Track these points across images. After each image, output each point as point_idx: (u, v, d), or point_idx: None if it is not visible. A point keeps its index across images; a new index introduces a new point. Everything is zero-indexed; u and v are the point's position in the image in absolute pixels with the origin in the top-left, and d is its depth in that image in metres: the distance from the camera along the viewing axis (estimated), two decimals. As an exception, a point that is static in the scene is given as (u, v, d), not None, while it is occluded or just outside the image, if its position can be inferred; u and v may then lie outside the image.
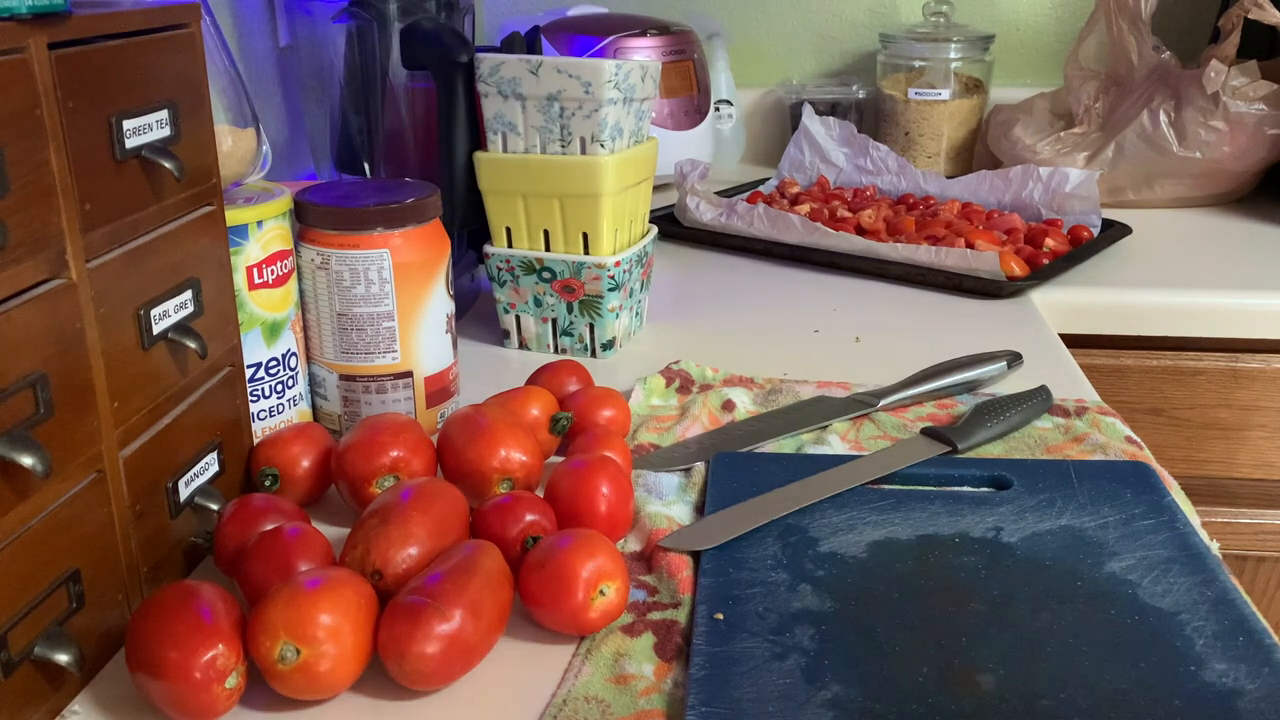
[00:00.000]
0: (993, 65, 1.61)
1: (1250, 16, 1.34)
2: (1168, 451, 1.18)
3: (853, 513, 0.67)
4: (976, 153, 1.61)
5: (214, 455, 0.66)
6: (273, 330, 0.74)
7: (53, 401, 0.51)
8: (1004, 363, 0.88)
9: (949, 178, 1.37)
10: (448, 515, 0.61)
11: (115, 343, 0.56)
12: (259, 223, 0.72)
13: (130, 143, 0.56)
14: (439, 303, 0.80)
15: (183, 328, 0.61)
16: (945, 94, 1.57)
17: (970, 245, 1.16)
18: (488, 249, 0.95)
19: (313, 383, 0.81)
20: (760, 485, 0.70)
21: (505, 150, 0.92)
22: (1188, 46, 1.60)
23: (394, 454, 0.67)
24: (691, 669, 0.54)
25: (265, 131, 0.77)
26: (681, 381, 0.88)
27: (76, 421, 0.53)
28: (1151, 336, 1.14)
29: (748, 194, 1.42)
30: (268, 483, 0.69)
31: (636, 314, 1.00)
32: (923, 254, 1.12)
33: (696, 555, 0.64)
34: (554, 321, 0.96)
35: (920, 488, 0.71)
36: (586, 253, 0.92)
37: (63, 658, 0.50)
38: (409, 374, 0.79)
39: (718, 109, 1.68)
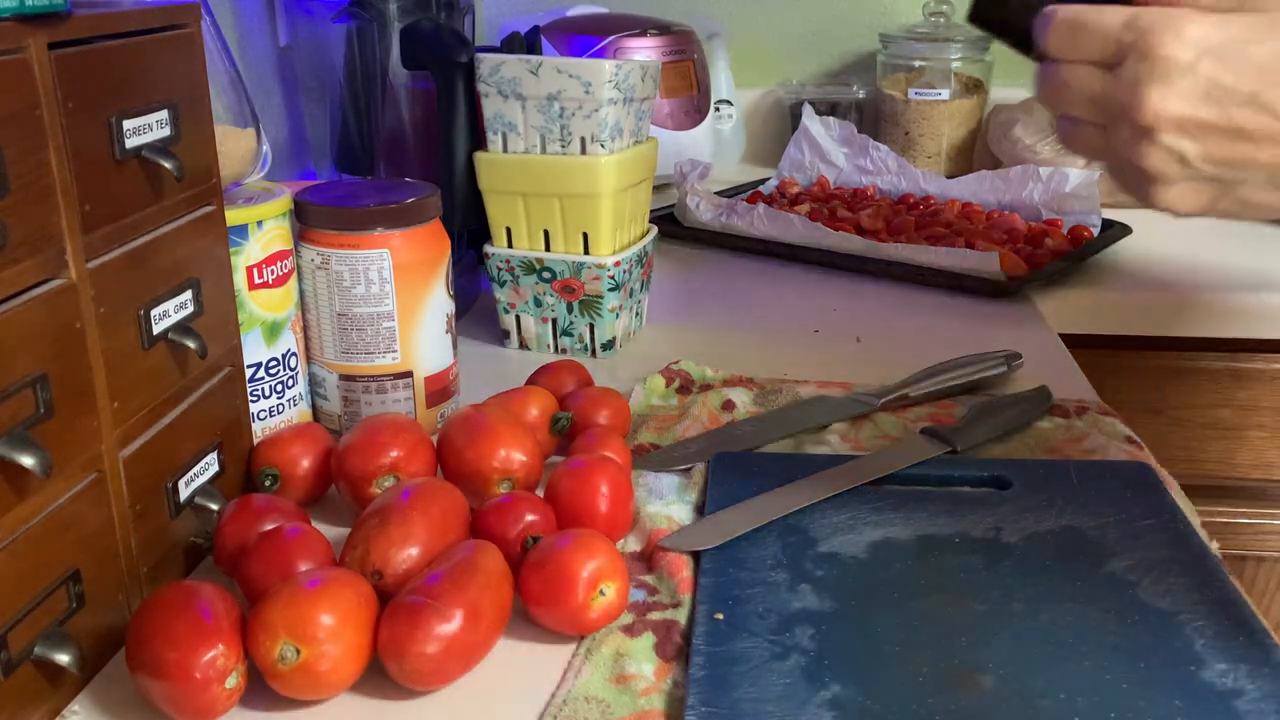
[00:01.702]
0: (993, 65, 1.61)
1: (1250, 16, 1.33)
2: (1168, 451, 1.18)
3: (853, 513, 0.67)
4: (976, 153, 1.61)
5: (214, 455, 0.66)
6: (273, 330, 0.74)
7: (53, 401, 0.51)
8: (1004, 363, 0.88)
9: (949, 178, 1.37)
10: (448, 515, 0.61)
11: (115, 343, 0.56)
12: (259, 223, 0.72)
13: (130, 143, 0.56)
14: (439, 303, 0.80)
15: (183, 328, 0.61)
16: (945, 94, 1.57)
17: (970, 245, 1.16)
18: (488, 249, 0.95)
19: (313, 383, 0.81)
20: (760, 485, 0.70)
21: (505, 150, 0.92)
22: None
23: (394, 454, 0.67)
24: (691, 669, 0.54)
25: (265, 131, 0.77)
26: (681, 381, 0.88)
27: (76, 421, 0.53)
28: (1151, 336, 1.14)
29: (748, 194, 1.42)
30: (268, 483, 0.69)
31: (636, 314, 1.00)
32: (923, 254, 1.12)
33: (696, 555, 0.64)
34: (554, 321, 0.96)
35: (920, 488, 0.71)
36: (586, 253, 0.92)
37: (63, 658, 0.50)
38: (409, 374, 0.79)
39: (718, 109, 1.68)
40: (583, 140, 0.90)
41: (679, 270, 1.21)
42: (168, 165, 0.58)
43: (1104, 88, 0.51)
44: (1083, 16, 0.52)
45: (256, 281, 0.72)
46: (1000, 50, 1.67)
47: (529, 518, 0.62)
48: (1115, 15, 0.51)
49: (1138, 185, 0.53)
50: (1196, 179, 0.51)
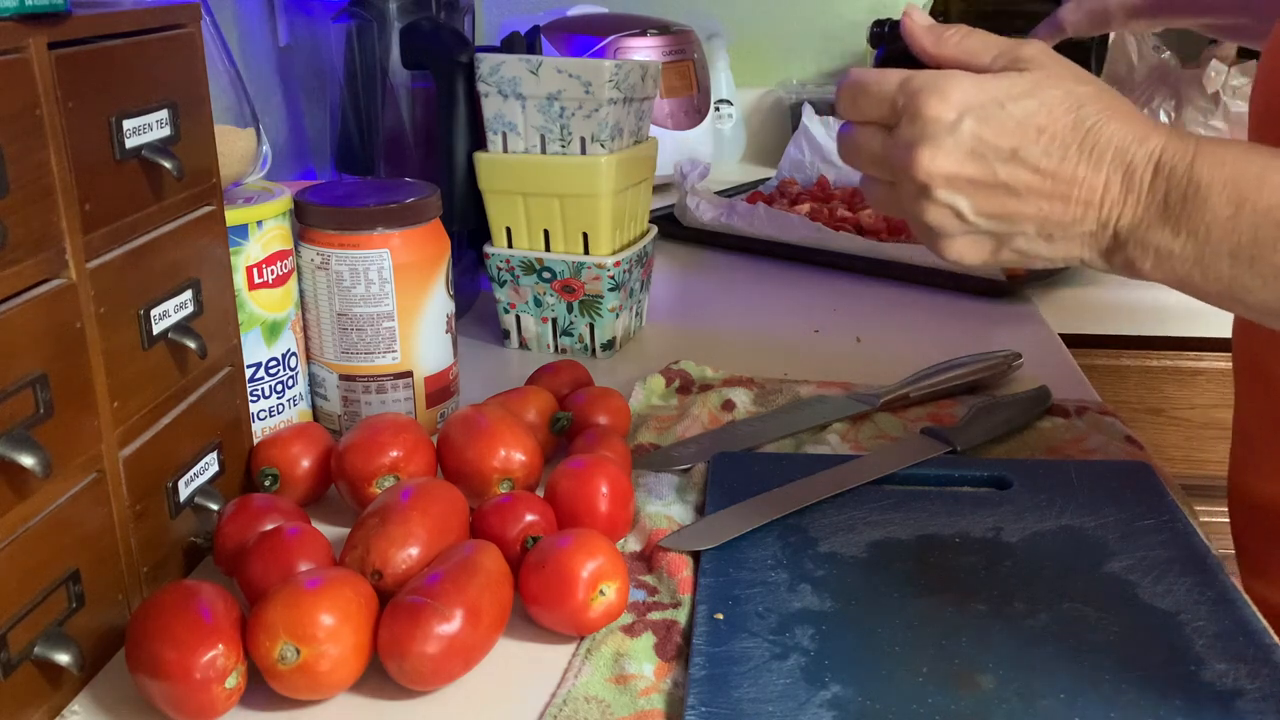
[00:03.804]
0: (993, 65, 1.61)
1: (1250, 16, 1.34)
2: (1168, 451, 1.18)
3: (853, 513, 0.67)
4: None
5: (214, 455, 0.66)
6: (273, 330, 0.74)
7: (53, 401, 0.51)
8: (1004, 363, 0.88)
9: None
10: (448, 515, 0.61)
11: (115, 343, 0.56)
12: (259, 223, 0.72)
13: (130, 143, 0.56)
14: (439, 303, 0.80)
15: (183, 328, 0.61)
16: (945, 94, 1.56)
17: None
18: (488, 249, 0.95)
19: (313, 383, 0.81)
20: (760, 485, 0.70)
21: (505, 150, 0.92)
22: (1188, 47, 1.59)
23: (394, 454, 0.67)
24: (691, 669, 0.54)
25: (265, 131, 0.77)
26: (681, 381, 0.88)
27: (76, 421, 0.53)
28: (1151, 336, 1.14)
29: (748, 194, 1.42)
30: (268, 483, 0.69)
31: (636, 314, 1.00)
32: (923, 254, 1.12)
33: (696, 555, 0.64)
34: (554, 321, 0.96)
35: (920, 488, 0.71)
36: (586, 253, 0.92)
37: (63, 658, 0.50)
38: (409, 374, 0.79)
39: (718, 109, 1.68)
40: (583, 140, 0.90)
41: (679, 270, 1.21)
42: (168, 165, 0.58)
43: (884, 148, 0.54)
44: (865, 79, 0.55)
45: (256, 281, 0.72)
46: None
47: (529, 518, 0.62)
48: (892, 78, 0.54)
49: (927, 238, 0.55)
50: (974, 232, 0.54)
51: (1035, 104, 0.51)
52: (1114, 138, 0.51)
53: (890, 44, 0.57)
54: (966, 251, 0.55)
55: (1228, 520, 1.20)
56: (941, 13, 0.91)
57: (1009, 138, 0.51)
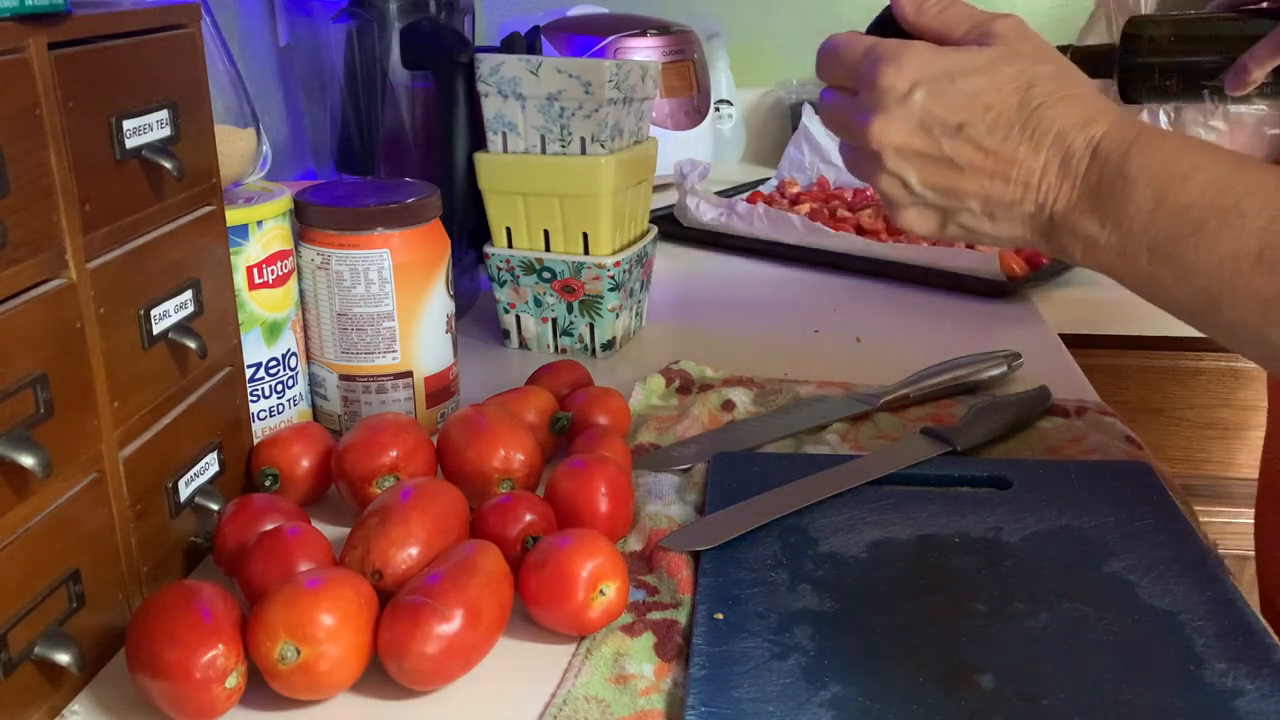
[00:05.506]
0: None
1: (1250, 16, 1.33)
2: (1168, 451, 1.18)
3: (853, 513, 0.67)
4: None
5: (214, 455, 0.66)
6: (273, 330, 0.74)
7: (53, 401, 0.51)
8: (1004, 363, 0.88)
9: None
10: (448, 515, 0.61)
11: (115, 343, 0.56)
12: (259, 223, 0.72)
13: (130, 143, 0.56)
14: (439, 303, 0.80)
15: (183, 328, 0.61)
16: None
17: (970, 245, 1.16)
18: (488, 249, 0.95)
19: (313, 383, 0.81)
20: (760, 485, 0.70)
21: (505, 150, 0.92)
22: (1188, 46, 1.59)
23: (394, 454, 0.67)
24: (691, 669, 0.54)
25: (265, 131, 0.77)
26: (681, 381, 0.88)
27: (76, 421, 0.53)
28: (1151, 336, 1.14)
29: (748, 194, 1.42)
30: (268, 483, 0.69)
31: (636, 314, 1.00)
32: (922, 254, 1.12)
33: (696, 555, 0.64)
34: (554, 321, 0.96)
35: (920, 488, 0.71)
36: (586, 253, 0.92)
37: (63, 658, 0.50)
38: (409, 374, 0.79)
39: (718, 109, 1.68)
40: (583, 140, 0.90)
41: (679, 270, 1.21)
42: (168, 165, 0.58)
43: (847, 114, 0.54)
44: (837, 45, 0.55)
45: (256, 281, 0.72)
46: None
47: (529, 518, 0.62)
48: (860, 45, 0.54)
49: (885, 205, 0.56)
50: (922, 204, 0.54)
51: (985, 81, 0.51)
52: (1056, 121, 0.51)
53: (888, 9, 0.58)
54: (915, 222, 0.55)
55: (1227, 521, 1.20)
56: (1135, 36, 0.76)
57: (957, 113, 0.51)
